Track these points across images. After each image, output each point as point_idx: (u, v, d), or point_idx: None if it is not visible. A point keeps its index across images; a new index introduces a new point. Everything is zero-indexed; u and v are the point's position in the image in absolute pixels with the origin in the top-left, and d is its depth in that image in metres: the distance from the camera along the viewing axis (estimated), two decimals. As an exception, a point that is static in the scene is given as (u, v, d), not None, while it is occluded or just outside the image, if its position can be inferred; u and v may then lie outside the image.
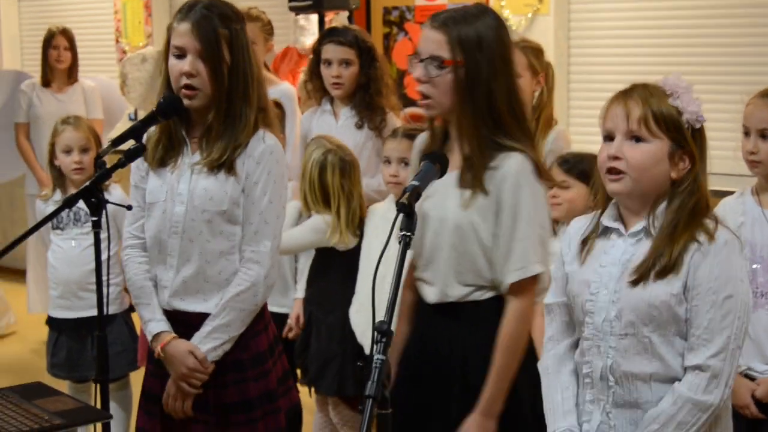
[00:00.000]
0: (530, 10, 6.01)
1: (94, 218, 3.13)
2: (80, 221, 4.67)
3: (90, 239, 4.59)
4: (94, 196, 3.12)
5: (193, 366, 3.15)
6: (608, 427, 2.65)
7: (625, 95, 2.61)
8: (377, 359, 2.24)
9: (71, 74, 6.65)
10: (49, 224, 4.74)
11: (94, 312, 4.53)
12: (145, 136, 3.17)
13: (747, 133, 3.48)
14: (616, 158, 2.59)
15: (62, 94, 6.68)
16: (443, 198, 2.98)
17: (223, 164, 3.14)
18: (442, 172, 2.74)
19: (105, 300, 3.20)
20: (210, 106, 3.16)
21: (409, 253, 2.72)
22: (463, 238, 2.95)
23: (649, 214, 2.60)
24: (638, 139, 2.56)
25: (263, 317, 3.28)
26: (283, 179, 3.22)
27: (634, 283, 2.56)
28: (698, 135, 2.58)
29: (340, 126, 4.71)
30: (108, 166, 3.13)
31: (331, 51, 4.69)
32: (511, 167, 2.90)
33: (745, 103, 3.53)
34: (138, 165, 3.29)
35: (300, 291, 4.49)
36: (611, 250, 2.65)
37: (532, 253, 2.93)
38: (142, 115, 7.47)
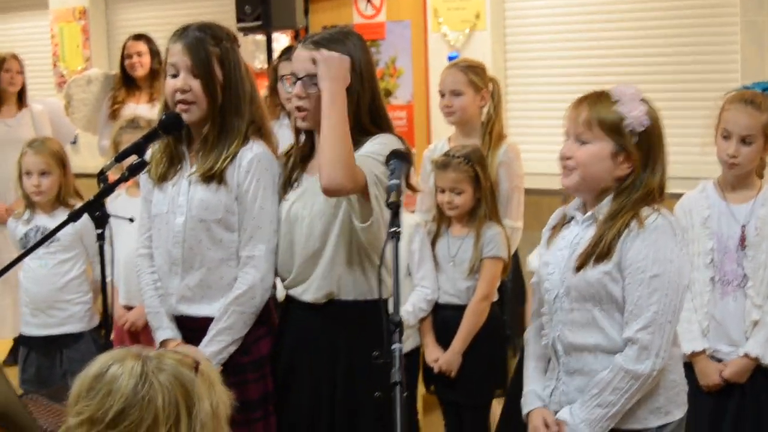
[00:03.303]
0: (468, 26, 6.25)
1: (99, 231, 3.23)
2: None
3: (56, 258, 4.74)
4: (97, 210, 3.24)
5: None
6: (560, 392, 2.99)
7: (578, 101, 2.95)
8: (395, 347, 2.44)
9: (20, 99, 6.68)
10: (19, 244, 4.84)
11: (62, 329, 4.75)
12: (148, 152, 3.32)
13: (726, 137, 3.68)
14: (567, 157, 2.91)
15: (11, 119, 6.67)
16: (313, 197, 3.25)
17: (214, 175, 3.31)
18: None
19: (108, 312, 3.32)
20: (205, 120, 3.33)
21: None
22: (343, 225, 3.21)
23: (595, 203, 2.91)
24: (583, 140, 2.88)
25: (267, 323, 3.44)
26: (273, 185, 3.38)
27: (576, 269, 2.88)
28: (645, 137, 2.87)
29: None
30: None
31: (286, 68, 4.86)
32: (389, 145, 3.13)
33: (720, 105, 3.74)
34: (146, 179, 3.46)
35: None
36: (568, 235, 2.99)
37: None
38: (84, 137, 7.58)
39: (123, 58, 6.72)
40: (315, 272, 3.28)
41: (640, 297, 2.80)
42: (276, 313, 3.51)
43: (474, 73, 4.69)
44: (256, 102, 3.40)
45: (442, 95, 4.73)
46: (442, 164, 4.34)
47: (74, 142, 7.74)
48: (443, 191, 4.32)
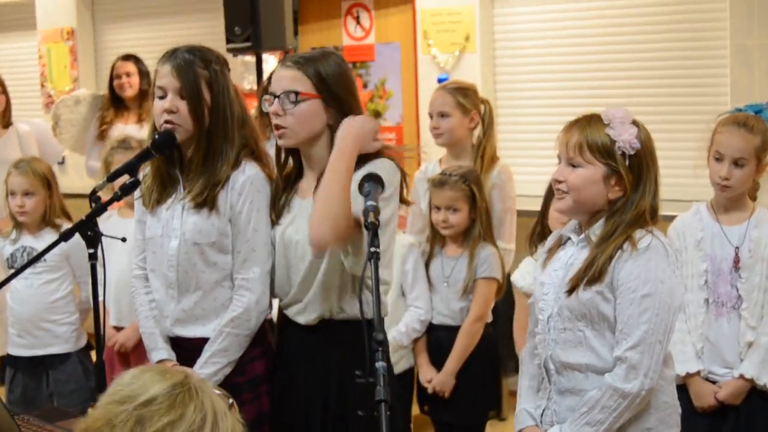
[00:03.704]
0: (457, 48, 6.25)
1: (91, 251, 3.20)
2: None
3: (42, 278, 4.71)
4: (89, 230, 3.21)
5: None
6: (551, 412, 3.00)
7: (570, 125, 2.95)
8: (380, 366, 2.44)
9: (5, 117, 6.64)
10: (6, 264, 4.82)
11: (49, 350, 4.71)
12: (141, 173, 3.29)
13: (719, 159, 3.69)
14: (559, 181, 2.92)
15: None
16: (305, 221, 3.23)
17: (205, 201, 3.30)
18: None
19: (96, 333, 3.26)
20: (191, 142, 3.31)
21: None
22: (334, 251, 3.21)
23: (590, 224, 2.93)
24: (575, 164, 2.89)
25: (262, 343, 3.41)
26: (266, 207, 3.36)
27: (569, 292, 2.88)
28: (636, 160, 2.87)
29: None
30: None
31: None
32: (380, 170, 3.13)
33: (712, 128, 3.76)
34: (141, 202, 3.44)
35: None
36: (563, 256, 2.99)
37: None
38: (71, 157, 7.54)
39: (112, 78, 6.69)
40: (308, 295, 3.27)
41: (630, 316, 2.80)
42: (271, 334, 3.49)
43: (462, 95, 4.71)
44: (247, 125, 3.38)
45: (431, 117, 4.74)
46: (439, 182, 4.34)
47: (61, 163, 7.70)
48: (438, 209, 4.31)
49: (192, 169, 3.33)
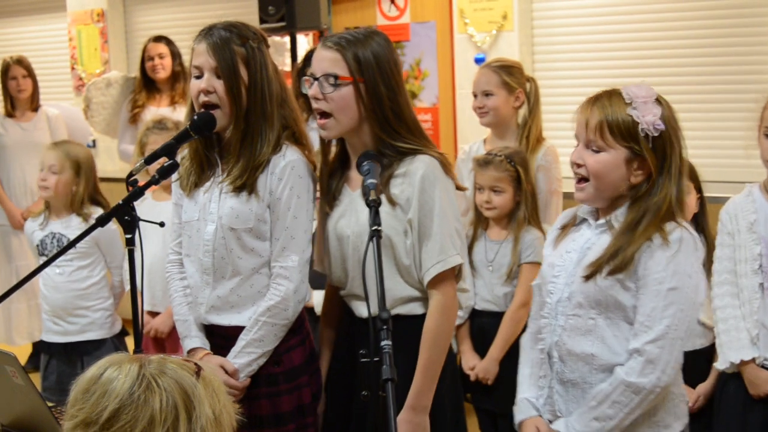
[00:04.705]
0: (495, 27, 6.13)
1: (128, 236, 3.11)
2: None
3: (73, 265, 4.66)
4: (127, 214, 3.12)
5: (223, 380, 3.18)
6: (551, 400, 2.87)
7: (589, 102, 2.78)
8: (385, 345, 2.38)
9: (33, 101, 6.60)
10: (36, 250, 4.78)
11: (83, 337, 4.66)
12: (179, 155, 3.20)
13: None
14: (578, 165, 2.77)
15: (27, 122, 6.60)
16: (356, 215, 3.15)
17: (245, 185, 3.19)
18: (382, 167, 2.97)
19: (131, 318, 3.18)
20: (229, 124, 3.21)
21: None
22: (385, 246, 3.08)
23: (611, 211, 2.79)
24: (596, 147, 2.73)
25: (300, 332, 3.32)
26: (307, 193, 3.25)
27: (587, 278, 2.74)
28: (659, 141, 2.72)
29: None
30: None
31: None
32: (419, 168, 3.05)
33: (762, 104, 3.62)
34: (178, 185, 3.35)
35: None
36: (578, 238, 2.85)
37: (450, 245, 3.08)
38: (103, 140, 7.49)
39: (144, 60, 6.62)
40: (362, 289, 3.17)
41: (654, 308, 2.68)
42: (309, 322, 3.40)
43: (507, 73, 4.60)
44: (288, 105, 3.26)
45: (475, 96, 4.64)
46: (484, 162, 4.24)
47: (92, 146, 7.66)
48: (482, 190, 4.22)
49: (230, 151, 3.22)
